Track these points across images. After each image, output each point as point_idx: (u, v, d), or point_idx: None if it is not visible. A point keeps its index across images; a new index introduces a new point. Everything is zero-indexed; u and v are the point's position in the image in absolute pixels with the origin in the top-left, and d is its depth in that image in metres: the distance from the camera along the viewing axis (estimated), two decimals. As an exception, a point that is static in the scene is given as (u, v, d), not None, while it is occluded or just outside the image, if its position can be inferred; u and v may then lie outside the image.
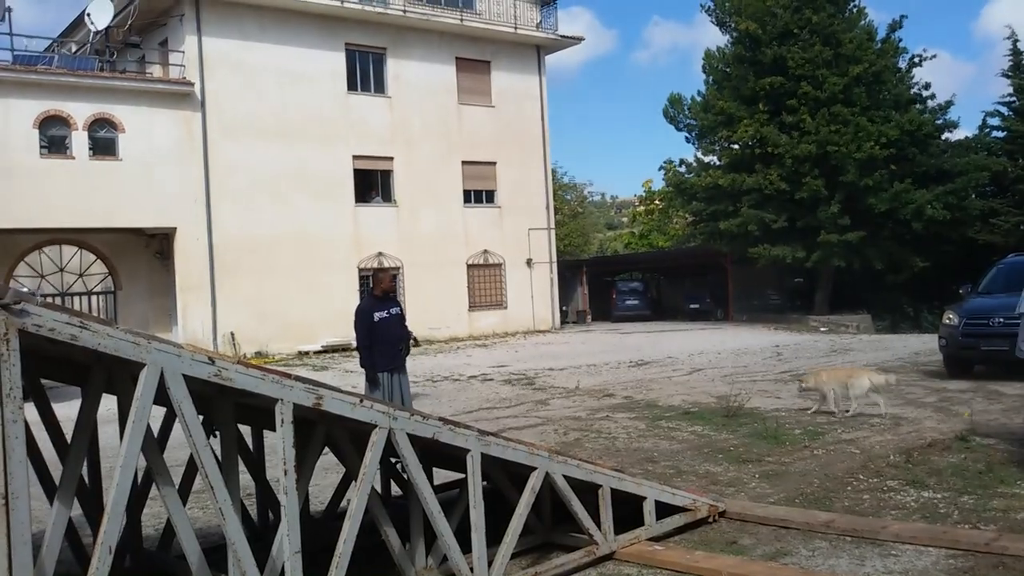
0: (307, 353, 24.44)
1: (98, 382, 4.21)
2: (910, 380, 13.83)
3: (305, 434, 4.84)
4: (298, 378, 4.16)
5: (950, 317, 14.02)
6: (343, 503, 6.30)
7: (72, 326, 3.37)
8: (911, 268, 29.98)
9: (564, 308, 34.21)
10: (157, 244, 25.28)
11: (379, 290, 9.46)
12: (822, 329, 28.05)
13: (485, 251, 30.04)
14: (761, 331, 27.46)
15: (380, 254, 27.66)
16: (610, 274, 41.02)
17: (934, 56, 31.71)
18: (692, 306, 35.70)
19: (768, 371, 16.13)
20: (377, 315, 9.19)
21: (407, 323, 9.97)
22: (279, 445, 4.01)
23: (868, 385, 10.46)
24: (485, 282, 30.20)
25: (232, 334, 24.28)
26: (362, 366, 9.81)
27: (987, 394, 11.66)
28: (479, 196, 30.36)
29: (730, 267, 33.76)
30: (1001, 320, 12.98)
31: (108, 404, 4.54)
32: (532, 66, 31.54)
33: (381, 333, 9.23)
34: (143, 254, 25.24)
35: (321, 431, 4.71)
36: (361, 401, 4.35)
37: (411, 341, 10.10)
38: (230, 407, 4.43)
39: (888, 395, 10.80)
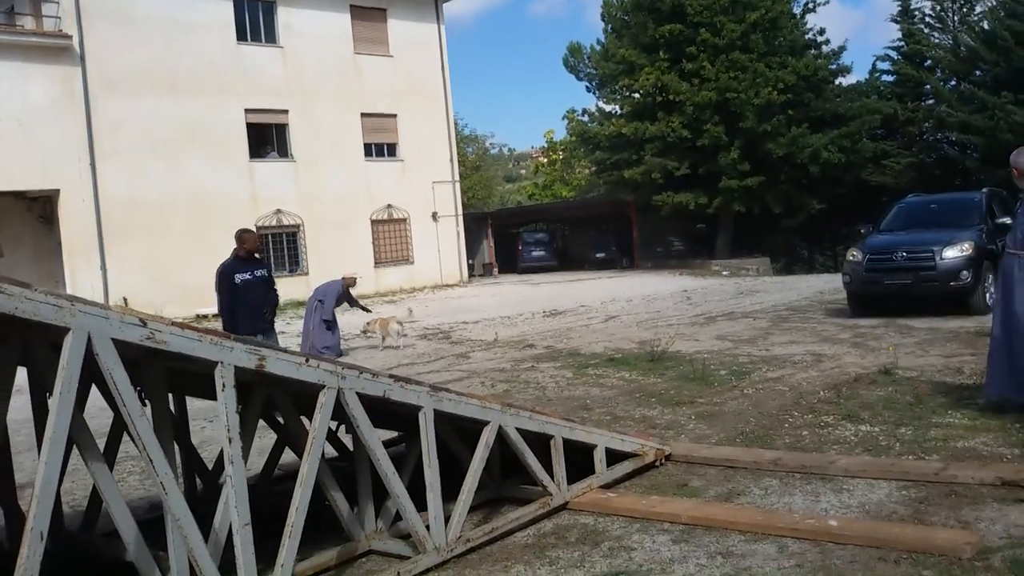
0: (206, 316, 23.48)
1: (12, 352, 3.76)
2: (820, 319, 14.18)
3: (242, 398, 4.50)
4: (237, 339, 3.82)
5: (854, 254, 13.93)
6: (276, 469, 5.99)
7: (-17, 288, 2.94)
8: (807, 211, 30.89)
9: (470, 261, 33.98)
10: (40, 207, 23.87)
11: (243, 251, 8.97)
12: (724, 273, 28.64)
13: (389, 206, 29.45)
14: (667, 277, 27.85)
15: (279, 211, 26.82)
16: (515, 226, 40.93)
17: (827, 2, 32.45)
18: (598, 255, 35.93)
19: (682, 315, 16.30)
20: (239, 277, 8.75)
21: (276, 286, 9.53)
22: (221, 411, 3.68)
23: (398, 328, 14.42)
24: (390, 238, 29.66)
25: (124, 299, 23.14)
26: (224, 331, 9.35)
27: (899, 329, 11.98)
28: (380, 150, 29.67)
29: (634, 215, 34.07)
30: (904, 255, 13.13)
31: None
32: (430, 14, 30.79)
33: (243, 296, 8.79)
34: (25, 218, 23.81)
35: (260, 394, 4.38)
36: (307, 361, 4.03)
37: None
38: (160, 372, 4.05)
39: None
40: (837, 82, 32.12)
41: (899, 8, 31.32)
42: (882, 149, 30.13)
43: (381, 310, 18.04)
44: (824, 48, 31.68)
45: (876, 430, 6.53)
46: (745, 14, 29.23)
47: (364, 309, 14.92)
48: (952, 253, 12.82)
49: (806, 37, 31.51)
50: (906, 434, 6.33)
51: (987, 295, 12.56)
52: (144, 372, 3.98)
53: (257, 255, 9.07)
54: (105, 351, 3.29)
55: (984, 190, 14.80)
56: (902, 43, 31.22)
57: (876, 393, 7.78)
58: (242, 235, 8.87)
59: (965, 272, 12.69)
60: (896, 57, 31.66)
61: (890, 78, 32.14)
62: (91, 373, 3.36)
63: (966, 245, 12.83)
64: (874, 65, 33.21)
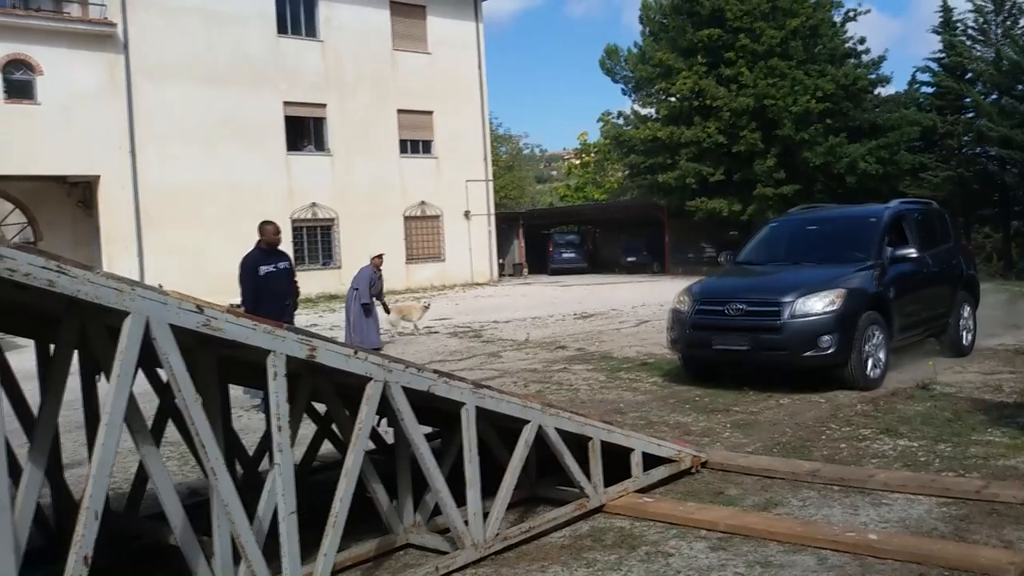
0: (239, 306, 23.62)
1: (71, 335, 3.83)
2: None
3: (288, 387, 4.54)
4: (289, 328, 3.86)
5: (682, 299, 9.88)
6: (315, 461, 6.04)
7: (49, 270, 3.00)
8: (842, 221, 30.51)
9: (501, 261, 34.02)
10: (79, 193, 24.20)
11: (265, 242, 9.04)
12: (756, 281, 28.41)
13: (422, 202, 29.57)
14: (698, 283, 27.66)
15: (314, 204, 27.01)
16: (546, 227, 40.93)
17: (868, 11, 32.17)
18: (629, 259, 35.82)
19: (714, 322, 16.18)
20: (263, 269, 8.82)
21: (296, 278, 9.58)
22: (272, 399, 3.72)
23: (395, 317, 15.67)
24: (422, 234, 29.78)
25: (160, 286, 23.32)
26: None
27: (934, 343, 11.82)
28: (415, 146, 29.79)
29: (667, 220, 33.91)
30: (741, 307, 9.06)
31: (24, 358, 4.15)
32: (469, 12, 30.87)
33: (267, 287, 8.86)
34: (65, 203, 24.16)
35: (307, 384, 4.41)
36: (355, 353, 4.06)
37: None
38: (212, 360, 4.10)
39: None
40: (876, 92, 31.77)
41: (941, 19, 30.87)
42: (920, 162, 29.74)
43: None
44: (864, 57, 31.35)
45: (915, 445, 6.47)
46: (785, 21, 29.03)
47: (385, 308, 14.62)
48: (810, 307, 8.73)
49: (846, 46, 31.17)
50: (945, 450, 6.27)
51: (871, 363, 8.87)
52: (196, 359, 4.03)
53: (278, 247, 9.10)
54: (162, 336, 3.33)
55: (891, 204, 10.86)
56: (943, 55, 30.74)
57: (914, 408, 7.71)
58: (264, 227, 8.96)
59: (827, 337, 8.58)
60: (936, 69, 31.18)
61: (930, 90, 31.66)
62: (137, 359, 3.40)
63: (833, 296, 8.76)
64: (914, 76, 32.74)
